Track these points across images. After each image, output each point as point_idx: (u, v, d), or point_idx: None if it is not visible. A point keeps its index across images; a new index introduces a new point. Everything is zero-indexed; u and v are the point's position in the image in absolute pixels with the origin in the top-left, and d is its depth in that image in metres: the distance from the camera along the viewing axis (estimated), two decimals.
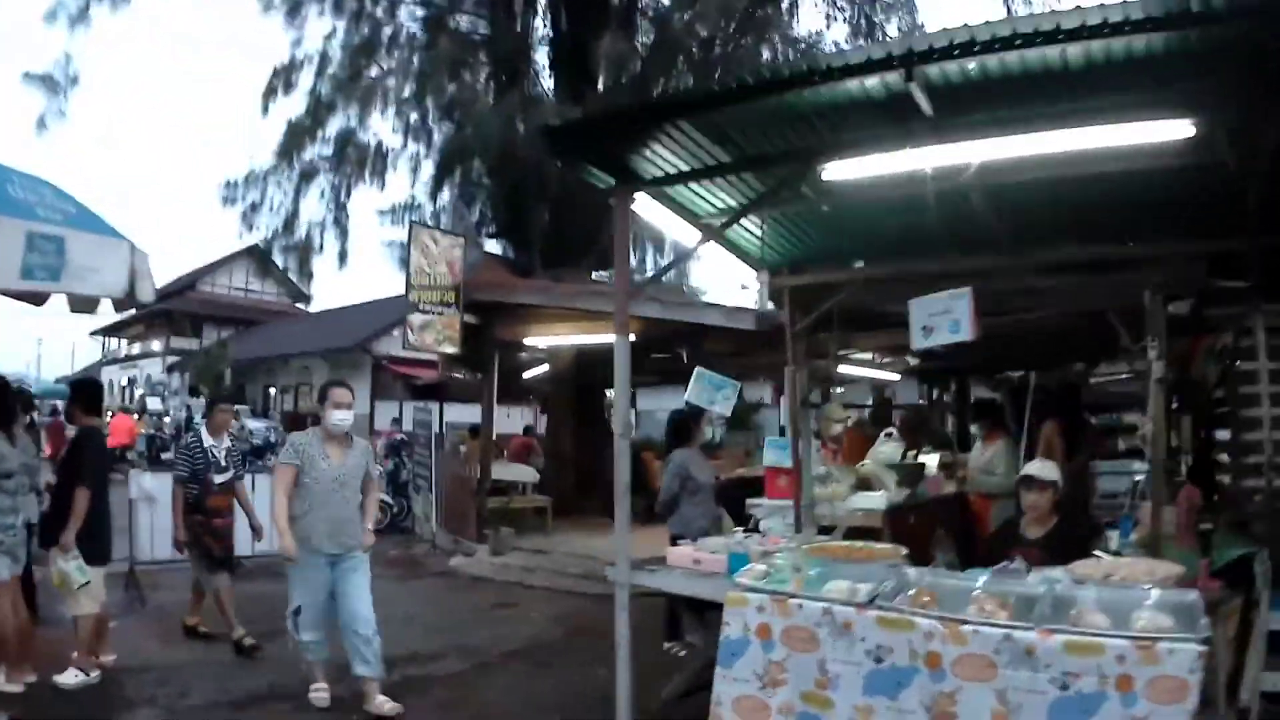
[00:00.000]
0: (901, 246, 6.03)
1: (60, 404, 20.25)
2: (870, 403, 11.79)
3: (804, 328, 6.68)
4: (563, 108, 15.17)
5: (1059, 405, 8.03)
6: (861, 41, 16.96)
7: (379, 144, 18.44)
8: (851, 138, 4.34)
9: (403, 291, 11.81)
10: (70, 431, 7.21)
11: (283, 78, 18.36)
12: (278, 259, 21.41)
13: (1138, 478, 9.03)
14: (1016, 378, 13.88)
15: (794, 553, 4.11)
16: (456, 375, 16.01)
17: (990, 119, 4.11)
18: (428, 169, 18.57)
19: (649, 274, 18.52)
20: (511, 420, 19.78)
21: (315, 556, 5.34)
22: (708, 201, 5.48)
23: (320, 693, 5.52)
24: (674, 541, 7.00)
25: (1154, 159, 4.41)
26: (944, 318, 4.77)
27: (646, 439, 15.31)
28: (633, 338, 5.01)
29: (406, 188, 19.45)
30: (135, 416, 27.78)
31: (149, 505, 8.69)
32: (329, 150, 18.40)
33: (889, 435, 8.14)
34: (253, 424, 24.88)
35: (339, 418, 5.51)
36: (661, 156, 4.71)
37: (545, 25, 18.18)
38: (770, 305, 8.35)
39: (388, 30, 18.04)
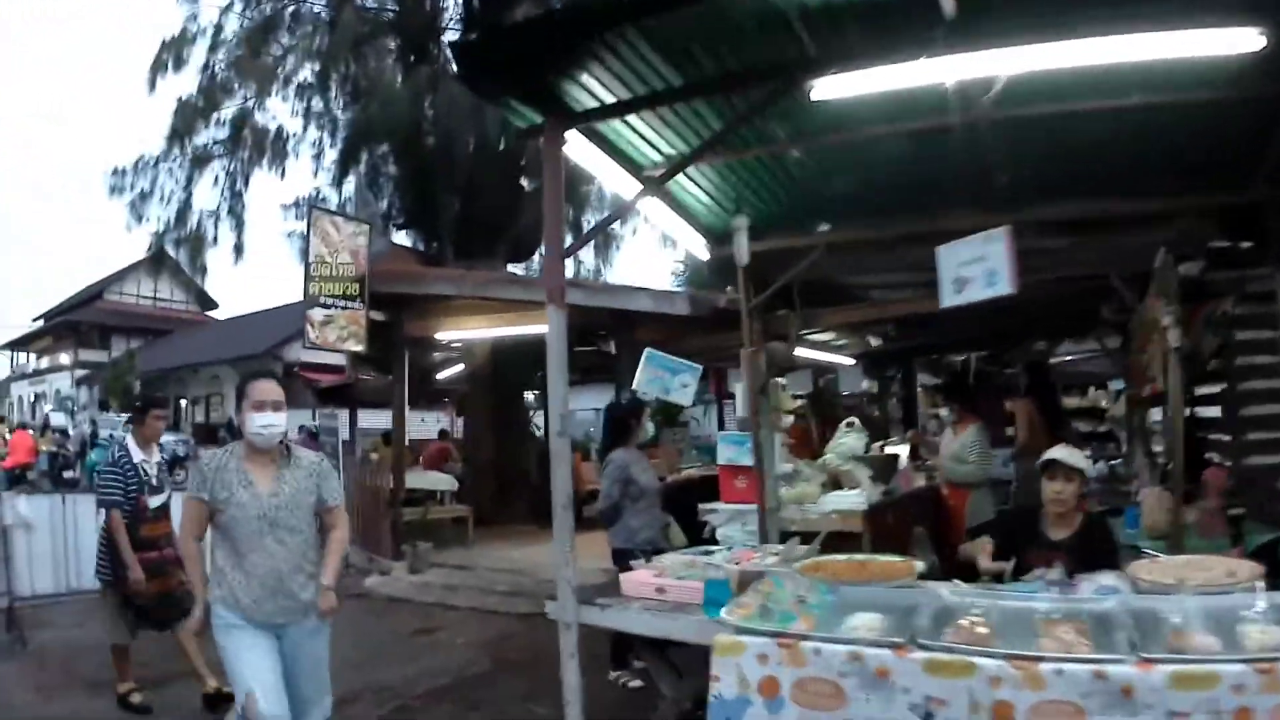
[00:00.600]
0: (879, 205, 5.24)
1: None
2: (809, 390, 11.14)
3: (761, 302, 5.85)
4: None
5: (1030, 384, 7.31)
6: None
7: (279, 129, 17.16)
8: (851, 46, 3.46)
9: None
10: None
11: (173, 51, 16.82)
12: (170, 253, 19.65)
13: (1113, 461, 8.50)
14: (959, 362, 13.42)
15: (790, 576, 3.18)
16: (365, 377, 14.91)
17: (1022, 23, 3.29)
18: (332, 157, 17.34)
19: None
20: (428, 425, 18.61)
21: (250, 626, 3.75)
22: (654, 146, 4.53)
23: None
24: (617, 558, 6.07)
25: (1196, 85, 3.82)
26: (978, 267, 3.90)
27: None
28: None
29: (310, 178, 17.97)
30: (37, 433, 25.76)
31: (26, 532, 7.81)
32: (224, 134, 17.00)
33: (850, 425, 7.30)
34: (164, 438, 23.01)
35: (263, 423, 3.78)
36: (601, 81, 3.75)
37: (456, 1, 17.00)
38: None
39: (290, 6, 16.75)
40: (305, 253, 10.66)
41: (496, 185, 15.38)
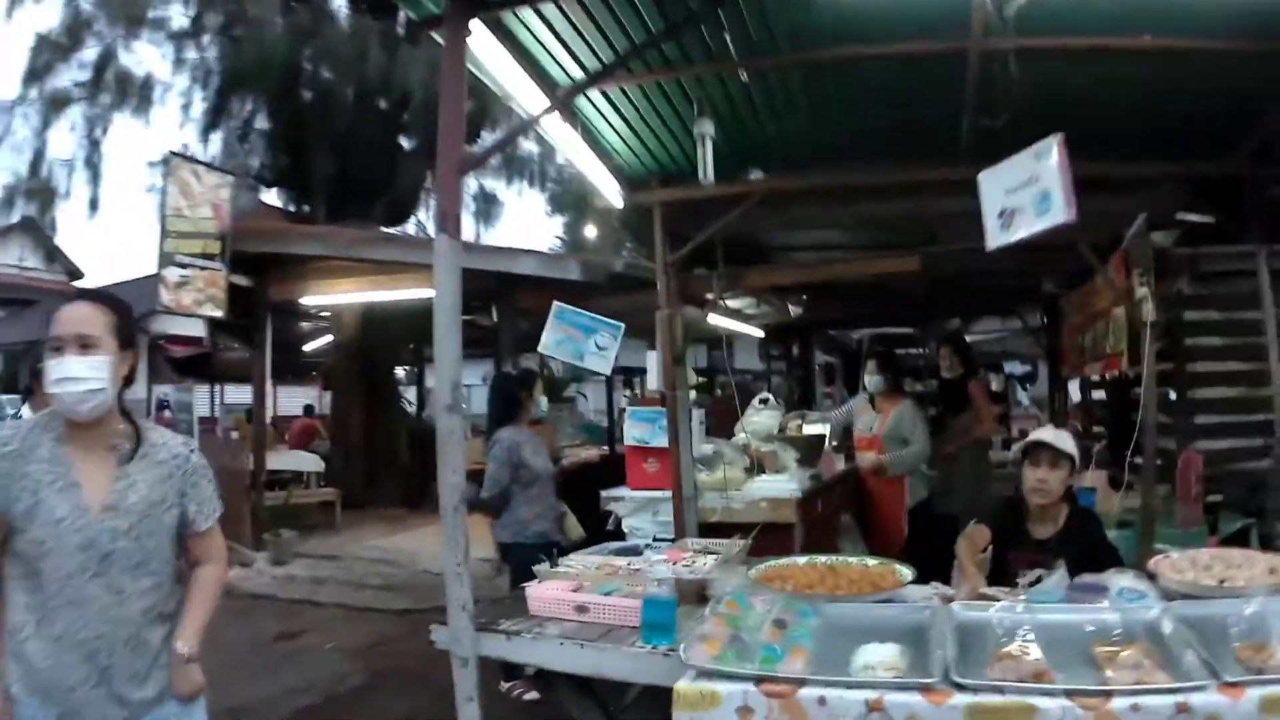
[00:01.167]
0: (830, 149, 4.61)
1: None
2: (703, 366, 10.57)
3: (680, 258, 5.11)
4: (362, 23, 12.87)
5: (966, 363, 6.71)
6: None
7: (147, 75, 15.15)
8: None
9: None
10: None
11: None
12: (19, 207, 17.48)
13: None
14: (855, 339, 13.06)
15: (754, 590, 2.43)
16: (230, 349, 13.57)
17: None
18: (202, 108, 15.45)
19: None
20: (295, 401, 17.20)
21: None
22: (572, 54, 3.71)
23: None
24: (504, 554, 5.25)
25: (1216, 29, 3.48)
26: (1027, 192, 3.12)
27: None
28: (429, 293, 3.14)
29: (177, 131, 16.04)
30: None
31: None
32: (86, 77, 14.99)
33: (764, 402, 6.60)
34: (26, 413, 20.79)
35: (61, 373, 2.14)
36: None
37: None
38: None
39: None
40: (162, 206, 9.37)
41: (375, 144, 14.30)
